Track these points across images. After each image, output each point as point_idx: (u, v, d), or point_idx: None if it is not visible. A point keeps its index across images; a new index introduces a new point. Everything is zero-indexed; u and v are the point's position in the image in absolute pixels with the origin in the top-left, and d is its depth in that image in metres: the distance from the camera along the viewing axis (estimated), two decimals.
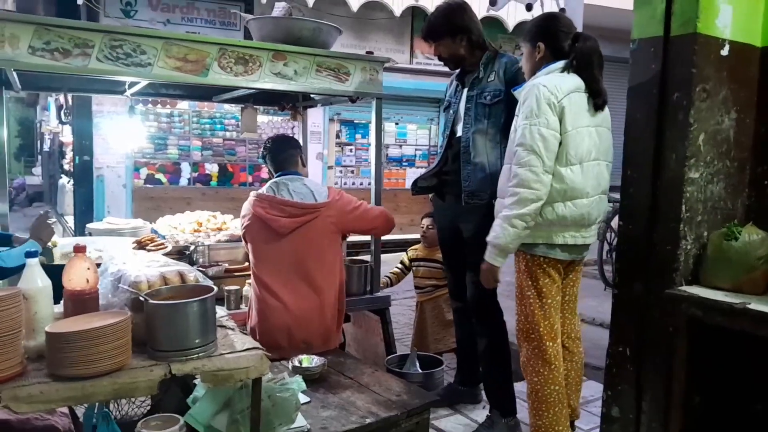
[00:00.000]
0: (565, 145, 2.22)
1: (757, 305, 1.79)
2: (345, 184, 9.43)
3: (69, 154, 9.23)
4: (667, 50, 2.06)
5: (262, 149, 2.94)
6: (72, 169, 8.16)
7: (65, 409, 1.92)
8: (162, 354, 1.45)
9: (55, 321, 1.46)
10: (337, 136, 9.41)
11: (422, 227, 3.70)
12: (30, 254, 1.45)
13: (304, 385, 1.78)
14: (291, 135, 3.18)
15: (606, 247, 6.10)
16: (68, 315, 1.49)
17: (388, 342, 3.25)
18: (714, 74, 2.04)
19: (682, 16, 2.02)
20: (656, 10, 2.08)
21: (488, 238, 2.31)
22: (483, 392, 3.00)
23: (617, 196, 2.30)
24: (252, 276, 2.67)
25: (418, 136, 10.00)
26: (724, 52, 2.05)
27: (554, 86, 2.21)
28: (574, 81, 2.26)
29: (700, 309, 1.92)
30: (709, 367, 2.02)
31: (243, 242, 2.73)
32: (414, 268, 3.76)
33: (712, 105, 2.05)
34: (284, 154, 2.78)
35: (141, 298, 1.49)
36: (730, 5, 2.04)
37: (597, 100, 2.31)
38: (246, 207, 2.66)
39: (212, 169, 8.53)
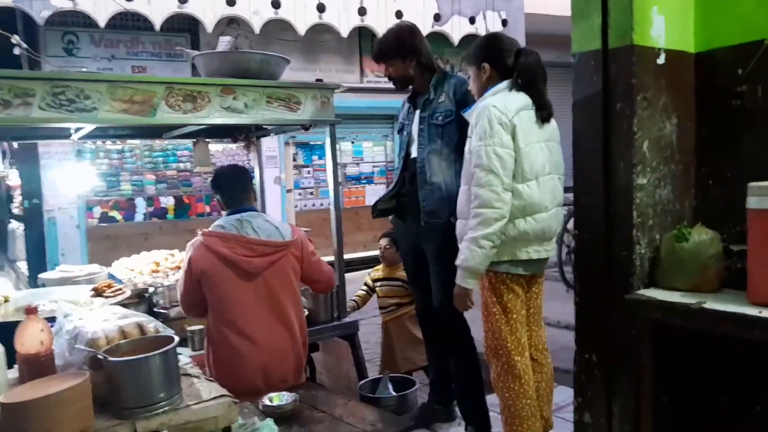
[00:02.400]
0: (520, 162, 2.27)
1: (712, 304, 1.84)
2: (305, 206, 9.38)
3: (18, 198, 8.92)
4: (606, 62, 2.13)
5: (211, 181, 2.79)
6: (22, 213, 7.89)
7: None
8: (126, 412, 1.41)
9: (10, 388, 1.40)
10: (294, 159, 9.36)
11: (380, 247, 3.73)
12: None
13: (275, 428, 1.75)
14: (240, 164, 3.00)
15: (564, 249, 6.21)
16: (24, 380, 1.43)
17: (359, 367, 3.23)
18: (653, 83, 2.11)
19: (617, 29, 2.09)
20: (593, 24, 2.14)
21: (457, 262, 2.33)
22: (457, 409, 3.01)
23: (570, 197, 2.36)
24: (212, 320, 2.49)
25: (374, 153, 10.04)
26: (661, 60, 2.13)
27: (503, 106, 2.26)
28: (522, 99, 2.32)
29: (659, 311, 1.97)
30: (675, 366, 2.07)
31: (192, 285, 2.46)
32: (377, 289, 3.77)
33: (653, 112, 2.11)
34: (237, 188, 2.66)
35: (100, 356, 1.44)
36: (662, 15, 2.11)
37: (542, 113, 2.37)
38: (198, 249, 2.45)
39: (168, 202, 8.36)
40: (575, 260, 2.31)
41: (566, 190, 2.58)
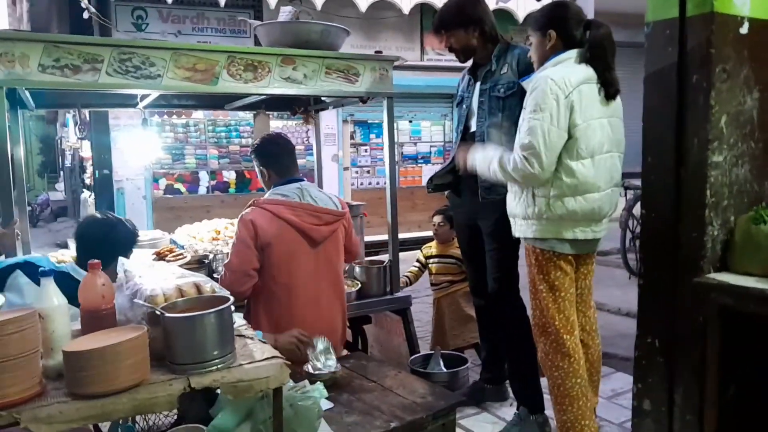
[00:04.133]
0: (576, 139, 2.18)
1: None
2: (362, 184, 9.41)
3: (89, 169, 9.34)
4: (683, 32, 2.00)
5: (257, 149, 2.65)
6: (93, 183, 8.26)
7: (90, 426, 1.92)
8: (181, 367, 1.43)
9: (73, 339, 1.45)
10: (352, 137, 9.39)
11: (434, 224, 3.69)
12: (45, 273, 1.45)
13: (325, 392, 1.76)
14: (283, 135, 2.86)
15: (629, 235, 5.99)
16: (85, 332, 1.48)
17: (410, 342, 3.22)
18: (734, 54, 1.97)
19: None
20: None
21: (473, 163, 2.46)
22: (510, 389, 2.96)
23: (638, 182, 2.25)
24: (271, 287, 2.44)
25: (432, 133, 9.94)
26: (743, 30, 1.98)
27: (562, 79, 2.16)
28: (584, 72, 2.21)
29: (731, 297, 1.86)
30: (743, 356, 1.96)
31: (254, 252, 2.41)
32: (429, 266, 3.74)
33: (733, 86, 1.98)
34: (287, 158, 2.62)
35: (157, 312, 1.47)
36: None
37: (609, 89, 2.26)
38: (264, 217, 2.41)
39: (230, 176, 8.58)
40: (641, 240, 2.21)
41: (633, 175, 2.47)
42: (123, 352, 1.34)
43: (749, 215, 1.95)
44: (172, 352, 1.45)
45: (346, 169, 9.21)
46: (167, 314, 1.45)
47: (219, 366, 1.45)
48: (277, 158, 2.60)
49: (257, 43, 3.89)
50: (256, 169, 2.66)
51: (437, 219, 3.66)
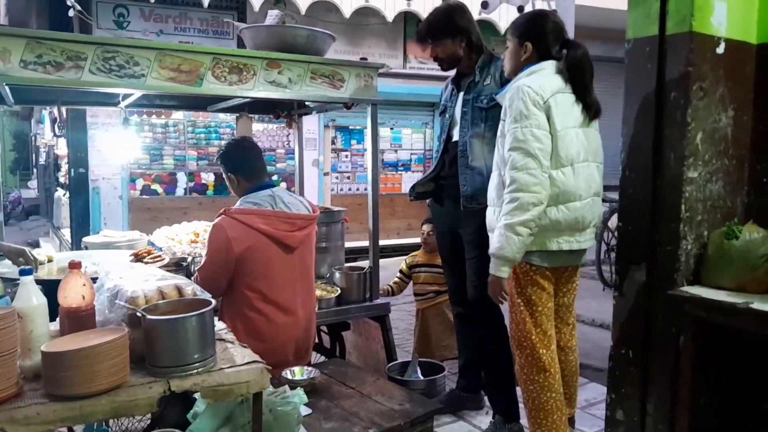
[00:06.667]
0: (554, 147, 2.19)
1: (760, 304, 1.77)
2: (341, 190, 9.41)
3: (64, 167, 9.19)
4: (663, 49, 2.05)
5: (223, 155, 2.60)
6: (68, 182, 8.13)
7: (63, 429, 1.89)
8: (161, 370, 1.43)
9: (51, 339, 1.43)
10: (333, 143, 9.39)
11: (423, 233, 3.69)
12: (24, 272, 1.43)
13: (305, 398, 1.76)
14: (249, 140, 2.81)
15: (603, 247, 6.09)
16: (64, 333, 1.47)
17: (388, 349, 3.22)
18: (710, 72, 2.03)
19: (677, 14, 2.01)
20: (651, 8, 2.07)
21: (491, 251, 2.24)
22: (486, 398, 2.98)
23: (614, 195, 2.29)
24: (247, 296, 2.39)
25: (413, 141, 9.98)
26: (720, 50, 2.04)
27: (539, 87, 2.19)
28: (558, 82, 2.24)
29: (704, 309, 1.90)
30: (714, 367, 2.01)
31: (226, 265, 2.35)
32: (414, 275, 3.74)
33: (709, 103, 2.03)
34: (257, 162, 2.58)
35: (138, 314, 1.46)
36: (725, 2, 2.03)
37: (590, 110, 2.29)
38: (237, 229, 2.34)
39: (208, 178, 8.51)
40: (617, 252, 2.25)
41: (609, 188, 2.50)
42: (103, 354, 1.33)
43: (722, 230, 2.01)
44: (152, 354, 1.44)
45: (326, 174, 9.20)
46: (148, 316, 1.45)
47: (199, 369, 1.45)
48: (244, 163, 2.55)
49: (240, 45, 3.88)
50: (224, 176, 2.60)
51: (426, 228, 3.65)
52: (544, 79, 2.23)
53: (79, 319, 1.47)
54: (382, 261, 3.26)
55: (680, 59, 2.00)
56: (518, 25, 2.40)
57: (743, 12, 2.09)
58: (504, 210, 2.19)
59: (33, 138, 14.82)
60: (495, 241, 2.22)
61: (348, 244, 3.31)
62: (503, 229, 2.17)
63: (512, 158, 2.18)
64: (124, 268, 1.74)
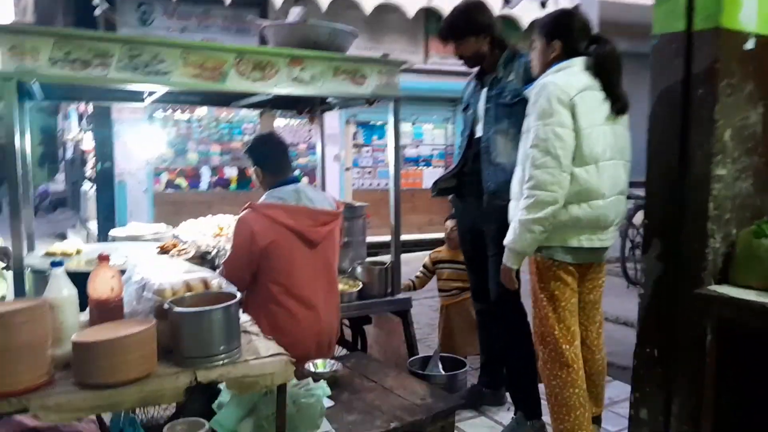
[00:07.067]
0: (579, 145, 2.18)
1: None
2: (362, 185, 9.43)
3: (91, 161, 9.35)
4: (689, 45, 2.03)
5: (250, 149, 2.62)
6: (94, 176, 8.27)
7: (92, 416, 1.94)
8: (187, 361, 1.46)
9: (81, 329, 1.47)
10: (354, 138, 9.41)
11: (446, 229, 3.66)
12: (55, 264, 1.46)
13: (328, 390, 1.78)
14: (275, 134, 2.85)
15: (628, 244, 6.01)
16: (94, 323, 1.50)
17: (410, 344, 3.23)
18: (739, 69, 2.00)
19: (704, 10, 1.98)
20: (677, 4, 2.04)
21: (506, 242, 2.30)
22: (507, 394, 2.98)
23: (639, 192, 2.26)
24: (270, 289, 2.40)
25: (434, 136, 9.96)
26: (749, 45, 2.01)
27: (565, 84, 2.18)
28: (586, 79, 2.23)
29: (731, 309, 1.88)
30: (739, 368, 1.98)
31: (250, 258, 2.37)
32: (438, 271, 3.73)
33: (737, 100, 2.00)
34: (282, 157, 2.60)
35: (165, 306, 1.49)
36: None
37: (617, 105, 2.26)
38: (262, 222, 2.37)
39: (231, 173, 8.59)
40: (642, 251, 2.23)
41: (634, 184, 2.47)
42: (131, 345, 1.36)
43: (751, 229, 1.98)
44: (179, 345, 1.47)
45: (347, 169, 9.23)
46: (176, 308, 1.47)
47: (225, 361, 1.47)
48: (270, 158, 2.58)
49: (262, 42, 3.91)
50: (250, 169, 2.64)
51: (449, 224, 3.62)
52: (572, 76, 2.22)
53: (107, 310, 1.51)
54: (403, 256, 3.26)
55: (707, 55, 1.98)
56: (545, 24, 2.39)
57: None
58: (521, 205, 2.23)
59: (60, 133, 15.08)
60: (510, 233, 2.29)
61: (370, 239, 3.31)
62: (518, 223, 2.24)
63: (532, 155, 2.19)
64: (151, 261, 1.77)
